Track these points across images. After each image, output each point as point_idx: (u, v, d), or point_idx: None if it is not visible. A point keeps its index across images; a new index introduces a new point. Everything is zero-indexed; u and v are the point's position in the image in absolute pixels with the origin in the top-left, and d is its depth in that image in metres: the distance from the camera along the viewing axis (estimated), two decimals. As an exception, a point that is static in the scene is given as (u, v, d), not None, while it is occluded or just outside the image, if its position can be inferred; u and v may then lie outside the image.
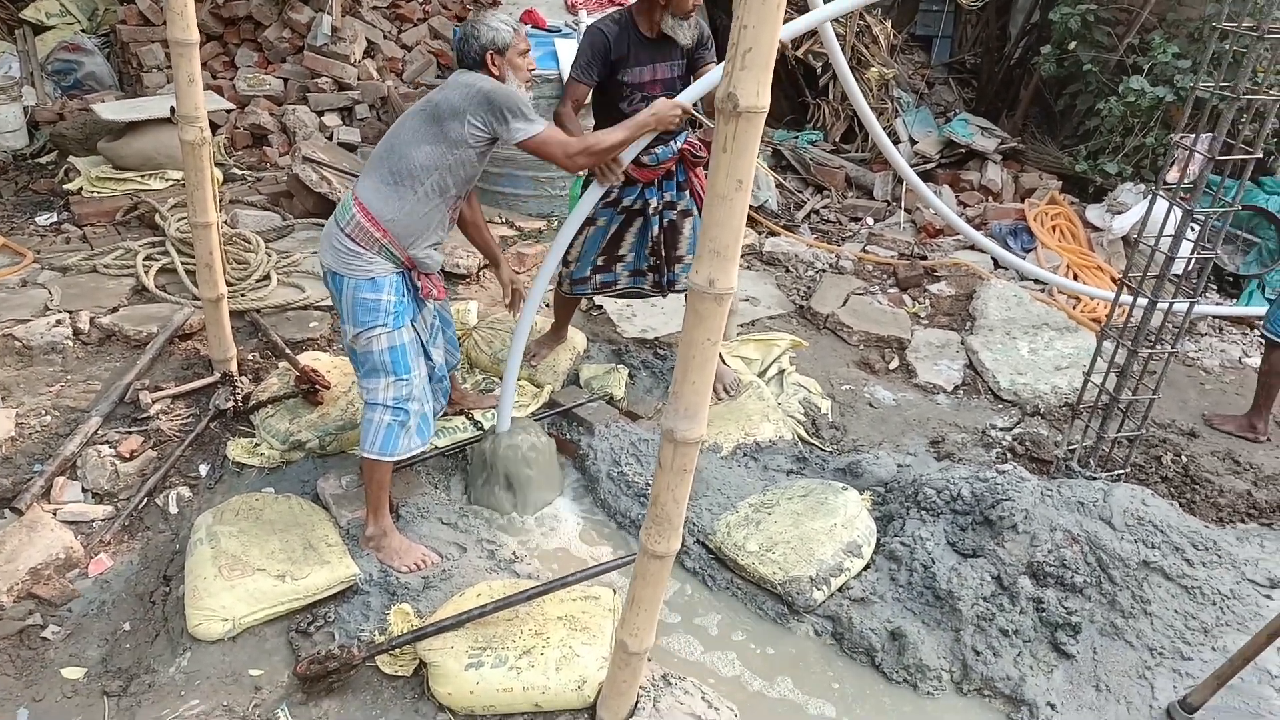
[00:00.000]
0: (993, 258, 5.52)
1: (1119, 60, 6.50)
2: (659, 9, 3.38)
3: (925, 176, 6.83)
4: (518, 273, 5.11)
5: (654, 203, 3.70)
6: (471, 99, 2.80)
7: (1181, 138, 3.29)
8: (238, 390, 3.77)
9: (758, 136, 1.82)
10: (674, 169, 3.68)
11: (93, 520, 3.24)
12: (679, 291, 3.85)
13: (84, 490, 3.35)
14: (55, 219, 5.39)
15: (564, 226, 3.30)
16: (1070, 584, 2.91)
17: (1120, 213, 5.94)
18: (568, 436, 3.77)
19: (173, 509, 3.32)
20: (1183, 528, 3.05)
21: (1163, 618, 2.88)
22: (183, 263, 4.63)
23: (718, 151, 1.83)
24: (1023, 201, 6.43)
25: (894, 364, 4.75)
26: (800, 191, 6.78)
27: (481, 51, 2.89)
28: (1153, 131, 6.09)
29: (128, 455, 3.48)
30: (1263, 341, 4.08)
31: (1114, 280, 5.53)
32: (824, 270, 5.65)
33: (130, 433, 3.60)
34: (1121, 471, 3.66)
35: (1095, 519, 3.03)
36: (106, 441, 3.53)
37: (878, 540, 3.23)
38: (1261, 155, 3.20)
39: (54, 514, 3.19)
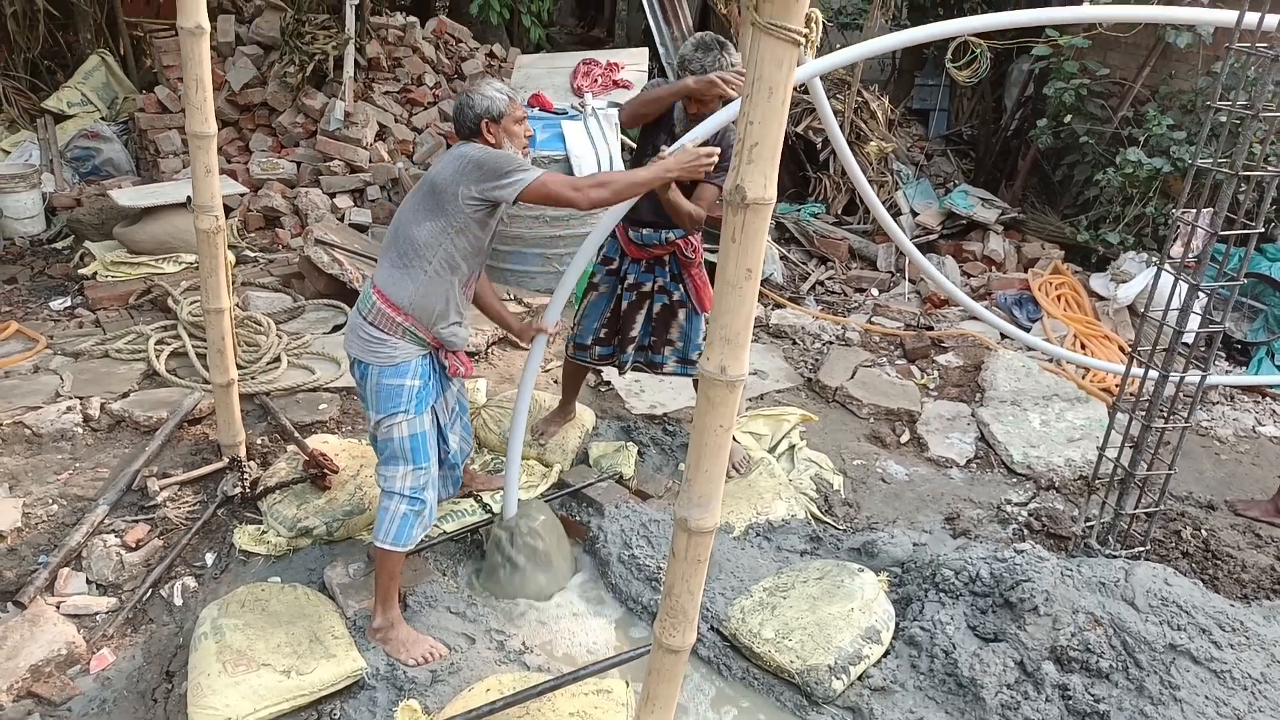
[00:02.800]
0: (989, 321, 5.52)
1: (1114, 132, 6.60)
2: (697, 105, 3.43)
3: (928, 248, 6.90)
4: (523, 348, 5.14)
5: (647, 285, 3.77)
6: (463, 168, 2.81)
7: (1183, 212, 3.31)
8: (246, 476, 3.75)
9: (765, 226, 1.84)
10: (666, 259, 3.73)
11: (96, 613, 3.19)
12: (665, 374, 3.91)
13: (88, 582, 3.31)
14: (69, 304, 5.45)
15: (567, 271, 3.29)
16: (1096, 669, 2.84)
17: (1124, 282, 5.96)
18: (577, 518, 3.73)
19: (177, 600, 3.27)
20: (1208, 608, 2.97)
21: (1193, 704, 2.78)
22: (194, 346, 4.66)
23: (726, 241, 1.85)
24: (1026, 271, 6.46)
25: (905, 437, 4.72)
26: (805, 264, 6.83)
27: (477, 120, 2.91)
28: (1152, 201, 6.15)
29: (134, 544, 3.45)
30: None
31: (1121, 349, 5.52)
32: (831, 342, 5.65)
33: (137, 521, 3.58)
34: (1142, 548, 3.59)
35: (1118, 600, 2.96)
36: (113, 531, 3.51)
37: (896, 624, 3.16)
38: (1263, 229, 3.20)
39: (57, 607, 3.15)
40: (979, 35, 7.21)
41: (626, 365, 3.91)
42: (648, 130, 3.62)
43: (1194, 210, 3.39)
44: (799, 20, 1.62)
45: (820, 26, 1.64)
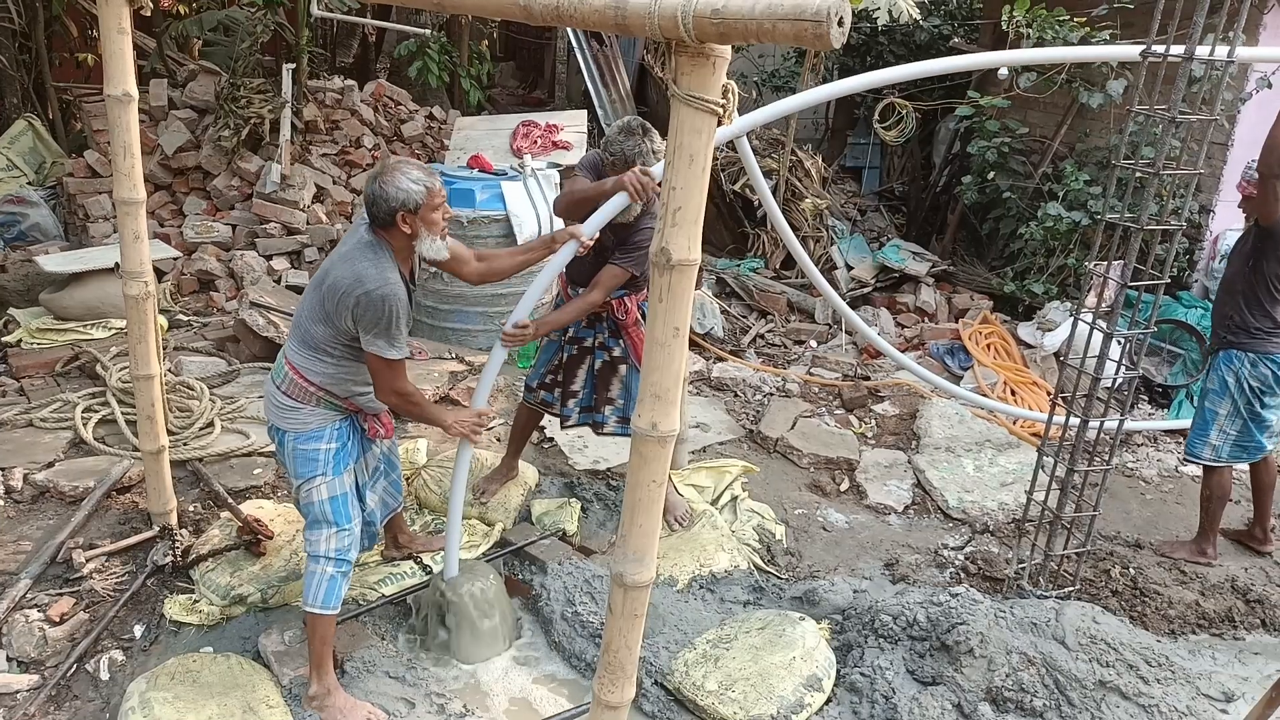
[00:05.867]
0: (917, 374, 5.66)
1: (1036, 187, 6.91)
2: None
3: (863, 300, 7.09)
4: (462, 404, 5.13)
5: (588, 340, 3.82)
6: (350, 307, 2.74)
7: (1095, 264, 3.48)
8: (177, 544, 3.66)
9: (691, 286, 1.90)
10: (603, 315, 3.79)
11: (17, 692, 3.06)
12: (605, 434, 3.96)
13: (9, 659, 3.17)
14: (-9, 372, 5.30)
15: (531, 287, 3.29)
16: (1030, 708, 2.89)
17: (1050, 330, 6.18)
18: (520, 576, 3.70)
19: (104, 675, 3.16)
20: (1135, 644, 3.06)
21: (1124, 739, 2.86)
22: (123, 413, 4.55)
23: (654, 301, 1.91)
24: (957, 321, 6.67)
25: (845, 485, 4.80)
26: (745, 317, 6.95)
27: (392, 213, 2.75)
28: (1073, 253, 6.43)
29: (58, 619, 3.32)
30: (1194, 463, 4.19)
31: (1049, 394, 5.70)
32: (771, 394, 5.74)
33: (61, 594, 3.45)
34: (1072, 588, 3.69)
35: (1049, 639, 3.04)
36: (35, 605, 3.38)
37: (838, 671, 3.19)
38: (1169, 279, 3.38)
39: (-25, 688, 3.02)
40: (904, 97, 7.53)
41: (570, 420, 3.94)
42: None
43: (1106, 262, 3.57)
44: (716, 92, 1.70)
45: (736, 97, 1.73)
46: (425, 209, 2.79)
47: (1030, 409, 5.54)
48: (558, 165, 6.38)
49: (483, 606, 3.32)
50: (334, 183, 7.47)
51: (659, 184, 2.98)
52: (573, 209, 3.50)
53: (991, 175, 7.03)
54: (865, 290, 7.12)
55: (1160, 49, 3.13)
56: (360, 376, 2.95)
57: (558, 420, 4.02)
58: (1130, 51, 3.36)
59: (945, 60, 3.73)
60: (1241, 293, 3.85)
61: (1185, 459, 4.17)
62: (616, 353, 3.83)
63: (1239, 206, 3.95)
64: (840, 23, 1.48)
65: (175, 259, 6.59)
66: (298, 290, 6.47)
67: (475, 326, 5.89)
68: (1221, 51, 3.11)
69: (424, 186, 2.77)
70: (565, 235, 3.21)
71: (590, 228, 3.13)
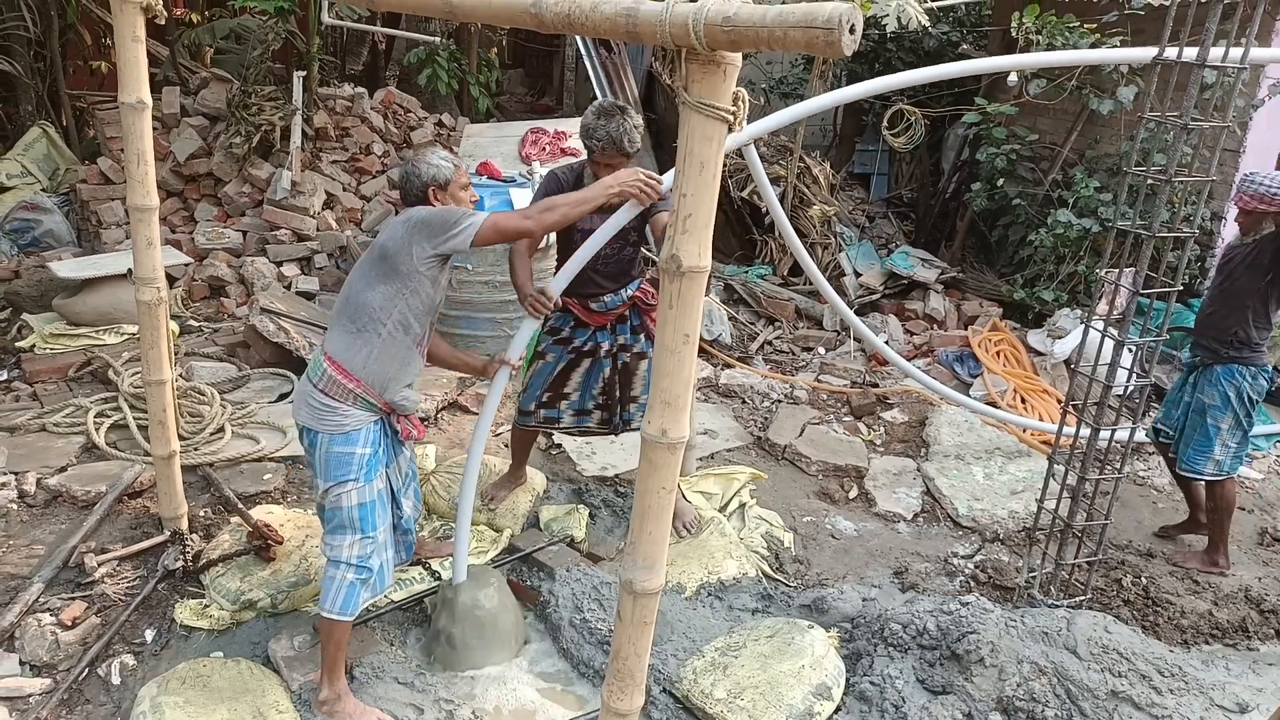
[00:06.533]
0: (924, 384, 5.64)
1: (1045, 194, 6.89)
2: (607, 170, 3.47)
3: (871, 307, 7.08)
4: (471, 411, 5.14)
5: (605, 345, 3.78)
6: (412, 229, 2.87)
7: (1107, 271, 3.47)
8: (188, 549, 3.67)
9: (701, 293, 1.90)
10: (627, 314, 3.78)
11: (29, 695, 3.07)
12: (635, 430, 3.90)
13: (21, 663, 3.19)
14: (5, 377, 5.32)
15: (512, 344, 3.30)
16: (1041, 718, 2.87)
17: (1060, 338, 6.16)
18: (528, 583, 3.70)
19: (115, 679, 3.17)
20: (1148, 654, 3.04)
21: (1137, 750, 2.84)
22: (135, 418, 4.58)
23: (664, 308, 1.91)
24: (966, 328, 6.65)
25: (853, 493, 4.78)
26: (753, 324, 6.95)
27: (424, 189, 2.99)
28: (1083, 260, 6.41)
29: (69, 623, 3.34)
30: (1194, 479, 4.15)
31: (1059, 402, 5.68)
32: (779, 401, 5.74)
33: (73, 598, 3.47)
34: (1083, 597, 3.67)
35: (1060, 649, 3.02)
36: (48, 609, 3.40)
37: (847, 680, 3.17)
38: (1181, 287, 3.36)
39: (-13, 691, 3.03)
40: (912, 104, 7.53)
41: (574, 428, 3.93)
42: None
43: (1117, 269, 3.55)
44: (726, 99, 1.71)
45: (747, 104, 1.73)
46: (454, 185, 3.01)
47: (1040, 417, 5.52)
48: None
49: (491, 613, 3.32)
50: (344, 189, 7.50)
51: (665, 190, 2.95)
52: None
53: (1000, 182, 7.02)
54: (874, 297, 7.11)
55: (1173, 53, 3.12)
56: (401, 366, 2.94)
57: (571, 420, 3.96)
58: (1143, 54, 3.34)
59: (957, 65, 3.74)
60: (1252, 307, 3.81)
61: (1186, 475, 4.11)
62: (636, 349, 3.80)
63: (1235, 220, 3.89)
64: (852, 30, 1.48)
65: (187, 265, 6.63)
66: (308, 296, 6.50)
67: (484, 332, 5.90)
68: (1235, 55, 3.10)
69: (452, 164, 3.01)
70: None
71: (597, 242, 3.02)
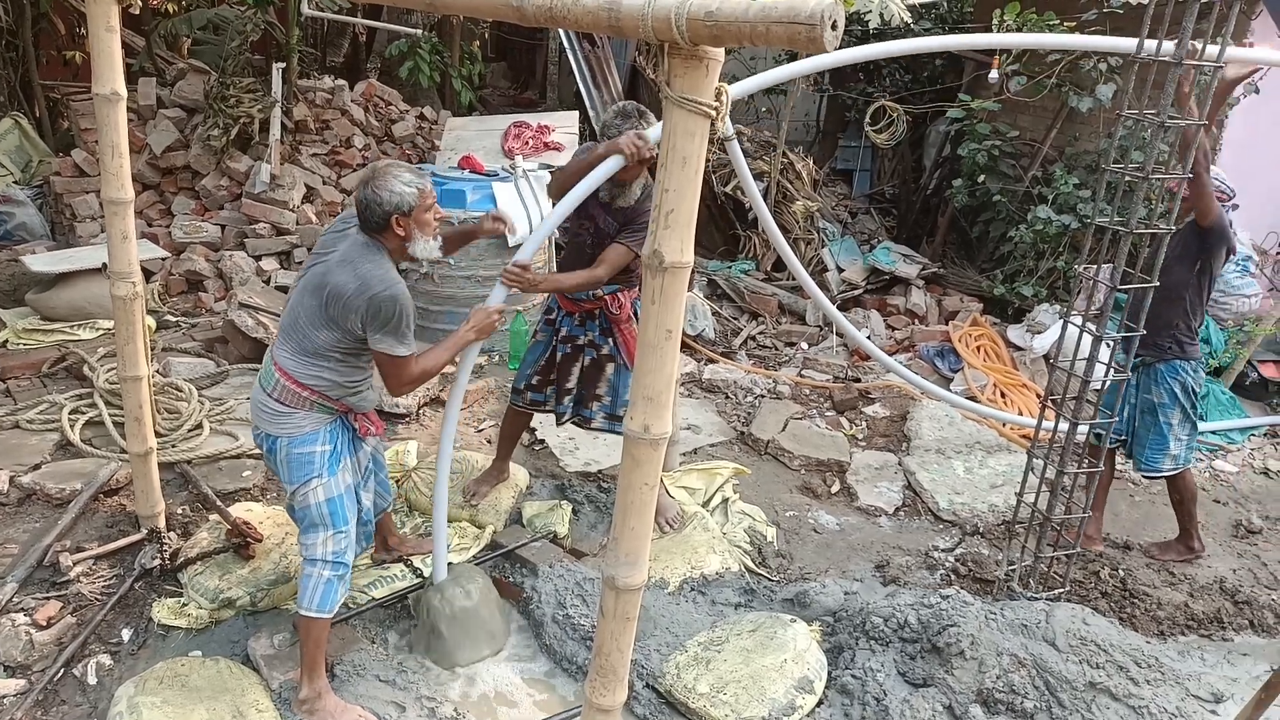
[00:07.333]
0: (906, 378, 5.67)
1: (1026, 190, 6.93)
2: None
3: (854, 302, 7.11)
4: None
5: (581, 339, 3.83)
6: (365, 308, 2.72)
7: (1085, 267, 3.49)
8: (165, 547, 3.63)
9: (684, 289, 1.90)
10: (597, 314, 3.80)
11: (3, 697, 3.03)
12: (594, 429, 3.97)
13: (-5, 664, 3.15)
14: (-23, 373, 5.25)
15: (546, 221, 3.25)
16: (1021, 710, 2.90)
17: (1039, 332, 6.20)
18: (511, 579, 3.69)
19: (91, 679, 3.13)
20: (1125, 646, 3.07)
21: (1114, 741, 2.87)
22: (110, 415, 4.53)
23: (647, 304, 1.90)
24: (947, 323, 6.69)
25: (835, 487, 4.80)
26: (736, 319, 6.96)
27: (386, 217, 2.76)
28: (1062, 256, 6.45)
29: (44, 623, 3.30)
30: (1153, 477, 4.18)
31: (1039, 397, 5.73)
32: (762, 396, 5.75)
33: (48, 598, 3.42)
34: (1062, 590, 3.70)
35: (1039, 641, 3.05)
36: (22, 609, 3.35)
37: (829, 673, 3.19)
38: (1158, 283, 3.39)
39: (-40, 693, 2.99)
40: (895, 100, 7.56)
41: (564, 416, 3.95)
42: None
43: (1096, 265, 3.58)
44: (709, 94, 1.70)
45: (729, 99, 1.72)
46: (418, 210, 2.79)
47: (1020, 412, 5.56)
48: (549, 166, 6.36)
49: (472, 608, 3.31)
50: (324, 183, 7.44)
51: (654, 148, 2.97)
52: (567, 182, 3.35)
53: (982, 178, 7.06)
54: (856, 292, 7.14)
55: (1152, 44, 3.14)
56: (355, 378, 2.93)
57: (552, 417, 4.01)
58: (1126, 43, 3.35)
59: (939, 39, 3.75)
60: (1188, 299, 3.83)
61: (1145, 475, 4.15)
62: (605, 350, 3.84)
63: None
64: (834, 26, 1.48)
65: (163, 259, 6.55)
66: (287, 291, 6.44)
67: (466, 328, 5.87)
68: (1211, 53, 3.12)
69: (415, 189, 2.78)
70: (490, 221, 3.32)
71: (583, 190, 3.01)
